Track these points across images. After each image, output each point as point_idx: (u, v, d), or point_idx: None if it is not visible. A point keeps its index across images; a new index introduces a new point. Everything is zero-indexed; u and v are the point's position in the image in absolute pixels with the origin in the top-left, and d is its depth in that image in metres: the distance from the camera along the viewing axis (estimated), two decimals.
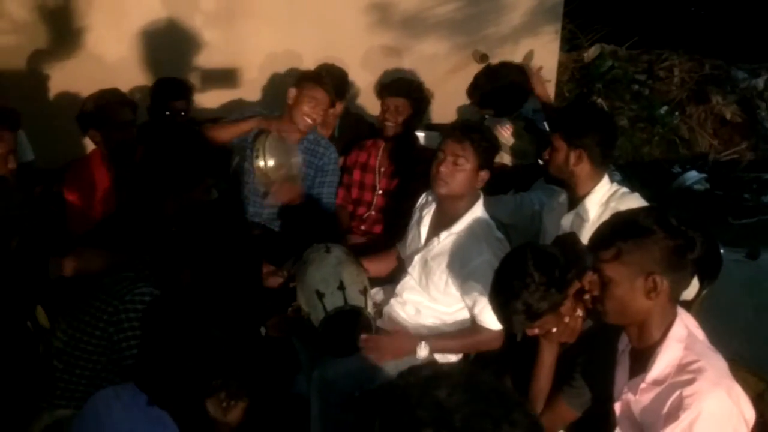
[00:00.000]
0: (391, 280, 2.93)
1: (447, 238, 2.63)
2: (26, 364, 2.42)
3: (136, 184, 3.01)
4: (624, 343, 1.97)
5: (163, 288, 2.19)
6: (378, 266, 2.98)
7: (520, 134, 3.16)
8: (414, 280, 2.76)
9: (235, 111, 3.82)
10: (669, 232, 1.77)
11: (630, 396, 1.87)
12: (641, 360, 1.86)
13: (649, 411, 1.82)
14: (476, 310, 2.58)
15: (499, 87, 3.45)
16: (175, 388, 1.66)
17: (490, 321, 2.50)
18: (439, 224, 2.71)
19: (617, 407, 1.94)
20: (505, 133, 3.20)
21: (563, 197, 2.76)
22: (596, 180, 2.63)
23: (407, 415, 1.08)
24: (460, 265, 2.59)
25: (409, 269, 2.77)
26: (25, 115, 3.02)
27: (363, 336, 2.57)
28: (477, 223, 2.63)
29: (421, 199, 2.88)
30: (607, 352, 2.03)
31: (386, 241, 3.23)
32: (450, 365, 1.44)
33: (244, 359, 1.81)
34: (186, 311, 1.71)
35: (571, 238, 2.54)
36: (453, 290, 2.63)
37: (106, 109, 3.13)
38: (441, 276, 2.64)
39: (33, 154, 3.70)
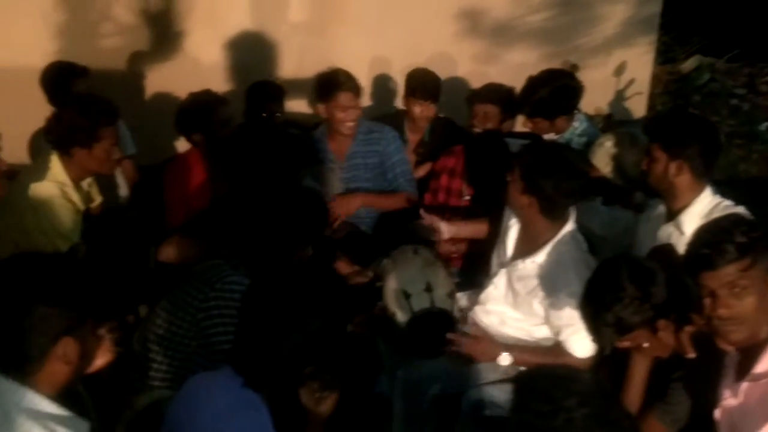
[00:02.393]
0: (476, 285, 2.90)
1: (532, 265, 2.57)
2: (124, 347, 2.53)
3: (231, 180, 3.11)
4: (729, 359, 1.90)
5: (253, 278, 2.25)
6: (479, 227, 2.99)
7: (623, 144, 3.07)
8: (499, 292, 2.73)
9: None
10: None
11: (731, 401, 1.81)
12: (747, 364, 1.81)
13: (749, 410, 1.77)
14: (562, 337, 2.53)
15: (554, 89, 3.36)
16: (270, 372, 1.70)
17: (577, 348, 2.46)
18: (525, 244, 2.65)
19: (717, 414, 1.88)
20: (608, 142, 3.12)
21: (660, 208, 2.67)
22: (697, 192, 2.53)
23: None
24: (545, 294, 2.53)
25: (495, 279, 2.74)
26: (126, 114, 3.17)
27: (451, 335, 2.55)
28: (564, 249, 2.53)
29: (507, 209, 2.83)
30: (711, 364, 1.95)
31: (471, 247, 3.21)
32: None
33: (337, 351, 1.84)
34: (286, 298, 1.75)
35: (669, 249, 2.47)
36: (538, 309, 2.59)
37: (205, 110, 3.26)
38: (526, 298, 2.61)
39: (135, 148, 3.86)
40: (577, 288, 2.38)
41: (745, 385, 1.78)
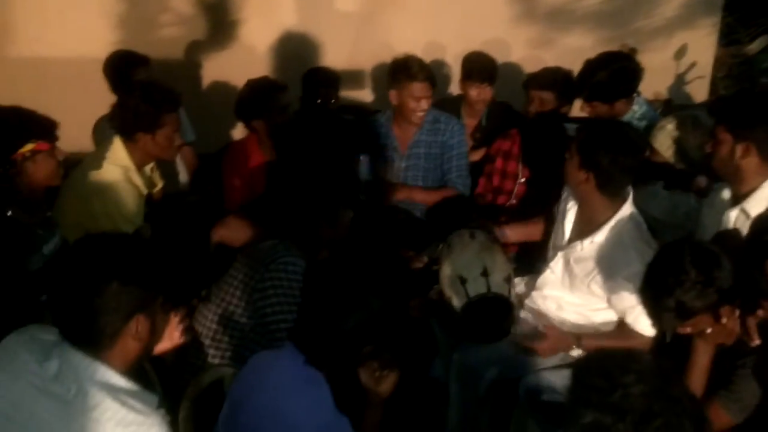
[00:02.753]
0: (534, 271, 2.88)
1: (590, 246, 2.53)
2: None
3: (288, 167, 3.14)
4: None
5: (306, 257, 2.29)
6: (534, 230, 2.96)
7: (685, 127, 2.99)
8: (555, 277, 2.70)
9: None
10: None
11: None
12: None
13: None
14: (630, 319, 2.48)
15: (612, 72, 3.28)
16: (331, 350, 1.72)
17: (647, 328, 2.41)
18: (583, 226, 2.61)
19: None
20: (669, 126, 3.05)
21: (726, 193, 2.60)
22: (765, 175, 2.45)
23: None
24: (606, 275, 2.49)
25: (551, 264, 2.71)
26: (185, 103, 3.23)
27: (527, 344, 2.54)
28: (624, 229, 2.48)
29: (564, 191, 2.80)
30: None
31: None
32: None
33: (397, 332, 1.85)
34: (348, 277, 1.77)
35: (735, 234, 2.40)
36: (598, 291, 2.55)
37: (264, 96, 3.31)
38: (584, 280, 2.57)
39: (194, 135, 3.94)
40: (639, 268, 2.33)
41: None
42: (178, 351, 2.10)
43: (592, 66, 3.32)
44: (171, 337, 1.94)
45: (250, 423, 1.73)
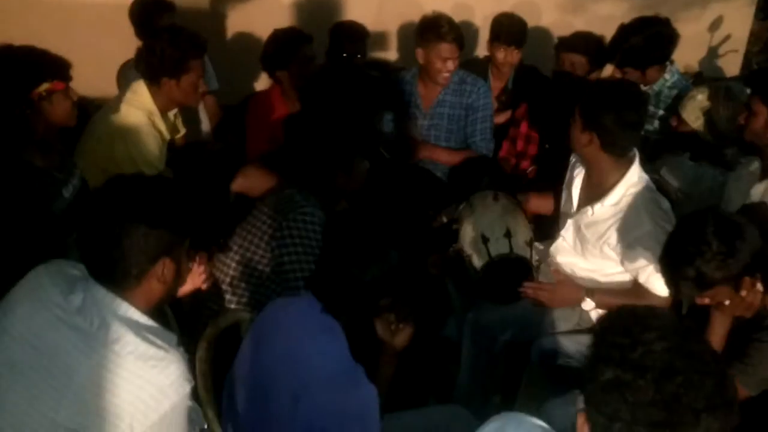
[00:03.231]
0: (550, 235, 2.86)
1: (601, 210, 2.50)
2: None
3: (307, 117, 3.12)
4: None
5: (324, 208, 2.29)
6: (547, 203, 2.94)
7: (717, 98, 2.94)
8: (568, 244, 2.68)
9: None
10: None
11: None
12: None
13: None
14: (642, 279, 2.46)
15: (647, 37, 3.21)
16: (349, 300, 1.72)
17: (660, 287, 2.38)
18: (591, 190, 2.58)
19: None
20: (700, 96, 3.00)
21: (755, 165, 2.56)
22: None
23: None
24: (618, 238, 2.46)
25: (562, 232, 2.68)
26: (209, 52, 3.19)
27: (529, 284, 2.53)
28: (634, 192, 2.45)
29: (572, 158, 2.75)
30: None
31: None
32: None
33: (414, 286, 1.85)
34: (368, 229, 1.77)
35: (763, 207, 2.37)
36: (611, 254, 2.52)
37: (290, 47, 3.28)
38: (596, 244, 2.54)
39: (217, 84, 3.92)
40: (650, 228, 2.33)
41: None
42: (196, 294, 2.13)
43: (626, 30, 3.26)
44: (193, 281, 1.97)
45: (266, 367, 1.75)
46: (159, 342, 1.56)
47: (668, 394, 1.18)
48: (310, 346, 1.71)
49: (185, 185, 2.73)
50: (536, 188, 3.12)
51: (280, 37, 3.32)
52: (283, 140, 3.19)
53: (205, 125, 3.78)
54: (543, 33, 4.73)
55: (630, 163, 2.48)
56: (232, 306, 2.28)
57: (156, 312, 1.67)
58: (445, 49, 3.27)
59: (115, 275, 1.55)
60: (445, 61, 3.30)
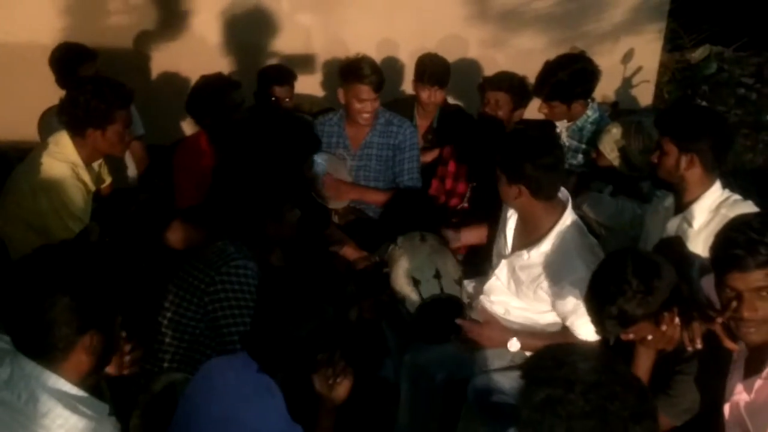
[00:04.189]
0: (481, 273, 2.92)
1: (536, 254, 2.56)
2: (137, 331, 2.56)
3: (233, 165, 3.11)
4: (740, 347, 1.92)
5: (257, 259, 2.28)
6: (482, 232, 3.01)
7: (629, 132, 3.08)
8: (501, 283, 2.74)
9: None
10: None
11: (743, 396, 1.84)
12: (758, 360, 1.83)
13: (760, 407, 1.79)
14: (569, 322, 2.54)
15: (572, 73, 3.37)
16: (285, 358, 1.72)
17: (585, 333, 2.47)
18: (526, 235, 2.64)
19: (726, 409, 1.90)
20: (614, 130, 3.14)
21: (669, 200, 2.69)
22: (707, 185, 2.54)
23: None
24: (551, 282, 2.54)
25: (497, 271, 2.74)
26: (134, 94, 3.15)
27: (459, 321, 2.59)
28: (568, 237, 2.52)
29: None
30: (720, 357, 1.98)
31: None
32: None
33: (349, 338, 1.86)
34: (300, 285, 1.77)
35: (677, 242, 2.49)
36: (543, 297, 2.60)
37: (217, 93, 3.24)
38: (530, 286, 2.61)
39: (143, 129, 3.87)
40: (583, 274, 2.40)
41: (758, 383, 1.80)
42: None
43: (552, 66, 3.40)
44: (118, 365, 1.91)
45: (203, 430, 1.72)
46: (89, 413, 1.53)
47: (596, 405, 1.26)
48: (246, 409, 1.70)
49: (108, 243, 2.67)
50: (467, 224, 3.20)
51: (206, 83, 3.29)
52: (210, 189, 3.17)
53: (132, 171, 3.71)
54: (468, 67, 4.86)
55: (563, 208, 2.57)
56: (166, 365, 2.24)
57: (87, 380, 1.63)
58: (363, 90, 3.34)
59: (41, 349, 1.51)
60: (362, 102, 3.37)
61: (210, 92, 3.23)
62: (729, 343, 1.93)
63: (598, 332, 2.25)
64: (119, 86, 2.91)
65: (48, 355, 1.51)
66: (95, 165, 3.04)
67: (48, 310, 1.48)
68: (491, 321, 2.70)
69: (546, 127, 3.39)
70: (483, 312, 2.74)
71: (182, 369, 2.17)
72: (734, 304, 1.79)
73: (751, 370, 1.85)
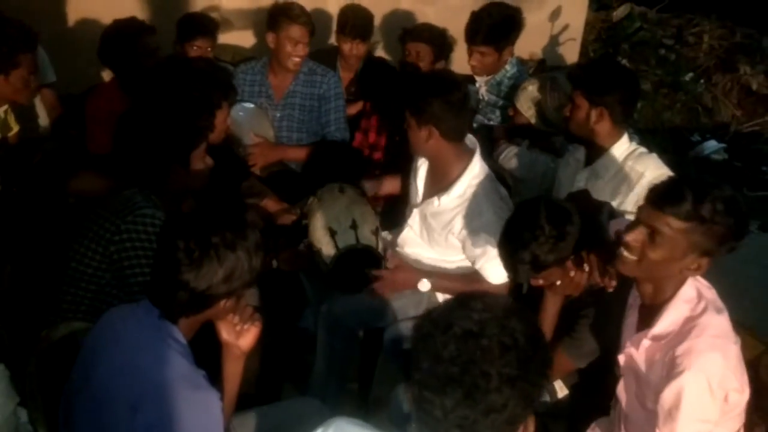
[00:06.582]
0: (398, 223, 2.94)
1: (446, 200, 2.60)
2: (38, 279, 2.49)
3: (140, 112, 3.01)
4: (633, 298, 2.00)
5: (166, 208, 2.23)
6: (397, 183, 3.05)
7: (544, 89, 3.13)
8: (414, 233, 2.78)
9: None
10: (728, 224, 1.73)
11: (633, 350, 1.91)
12: (649, 316, 1.90)
13: (651, 366, 1.87)
14: (478, 265, 2.59)
15: (505, 17, 3.41)
16: (187, 305, 1.69)
17: (493, 275, 2.54)
18: (436, 182, 2.67)
19: (621, 359, 1.98)
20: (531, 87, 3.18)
21: (580, 153, 2.76)
22: (615, 138, 2.62)
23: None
24: (461, 226, 2.58)
25: (409, 221, 2.78)
26: (46, 40, 3.00)
27: (369, 270, 2.60)
28: (477, 183, 2.57)
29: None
30: (616, 305, 2.06)
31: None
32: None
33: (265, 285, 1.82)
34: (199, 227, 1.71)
35: (584, 194, 2.56)
36: (455, 243, 2.65)
37: (130, 38, 3.11)
38: (441, 233, 2.65)
39: (55, 75, 3.70)
40: (491, 217, 2.46)
41: (646, 342, 1.87)
42: (31, 305, 2.02)
43: (485, 11, 3.45)
44: None
45: (104, 379, 1.69)
46: None
47: (467, 355, 1.23)
48: (147, 356, 1.67)
49: (10, 193, 2.57)
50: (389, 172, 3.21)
51: (118, 27, 3.15)
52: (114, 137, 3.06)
53: (43, 120, 3.55)
54: (399, 21, 4.81)
55: (471, 155, 2.60)
56: (70, 315, 2.19)
57: None
58: (296, 31, 3.28)
59: None
60: (296, 44, 3.30)
61: (121, 37, 3.10)
62: (598, 278, 2.05)
63: (510, 277, 2.31)
64: (24, 28, 2.77)
65: None
66: (0, 111, 2.91)
67: None
68: (401, 264, 2.72)
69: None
70: (392, 258, 2.76)
71: (87, 319, 2.12)
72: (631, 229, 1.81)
73: (642, 325, 1.93)
